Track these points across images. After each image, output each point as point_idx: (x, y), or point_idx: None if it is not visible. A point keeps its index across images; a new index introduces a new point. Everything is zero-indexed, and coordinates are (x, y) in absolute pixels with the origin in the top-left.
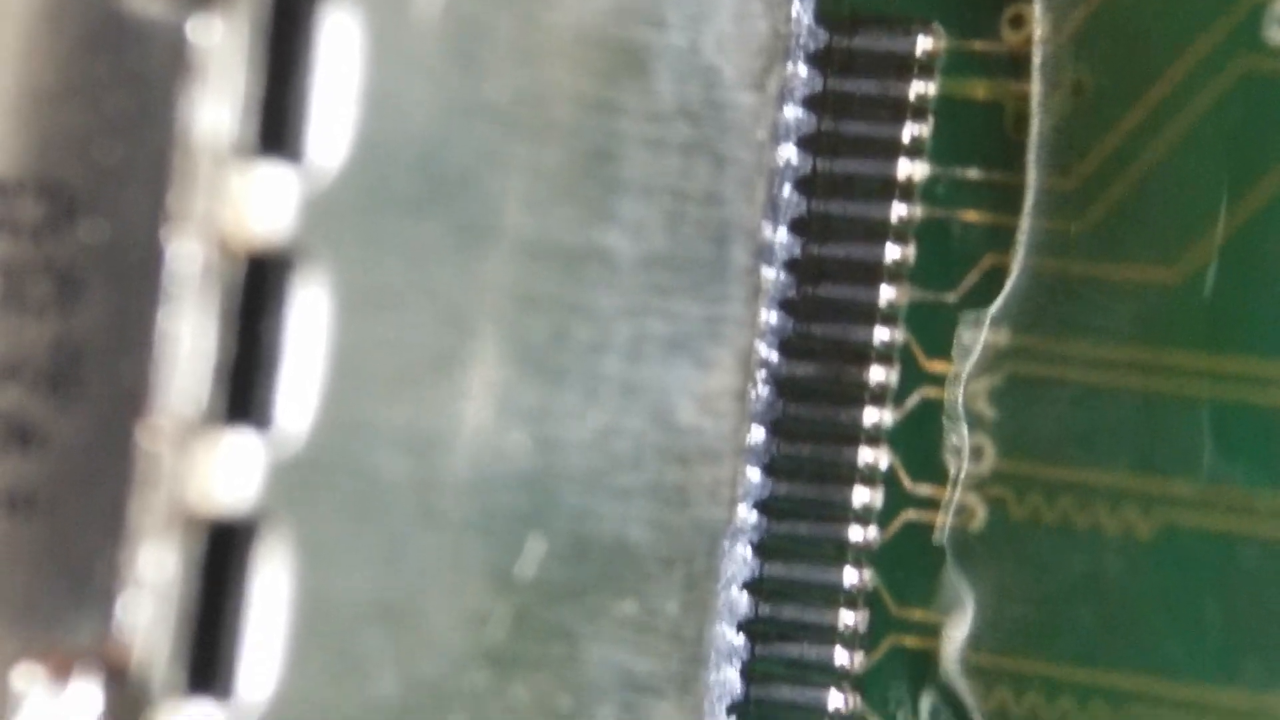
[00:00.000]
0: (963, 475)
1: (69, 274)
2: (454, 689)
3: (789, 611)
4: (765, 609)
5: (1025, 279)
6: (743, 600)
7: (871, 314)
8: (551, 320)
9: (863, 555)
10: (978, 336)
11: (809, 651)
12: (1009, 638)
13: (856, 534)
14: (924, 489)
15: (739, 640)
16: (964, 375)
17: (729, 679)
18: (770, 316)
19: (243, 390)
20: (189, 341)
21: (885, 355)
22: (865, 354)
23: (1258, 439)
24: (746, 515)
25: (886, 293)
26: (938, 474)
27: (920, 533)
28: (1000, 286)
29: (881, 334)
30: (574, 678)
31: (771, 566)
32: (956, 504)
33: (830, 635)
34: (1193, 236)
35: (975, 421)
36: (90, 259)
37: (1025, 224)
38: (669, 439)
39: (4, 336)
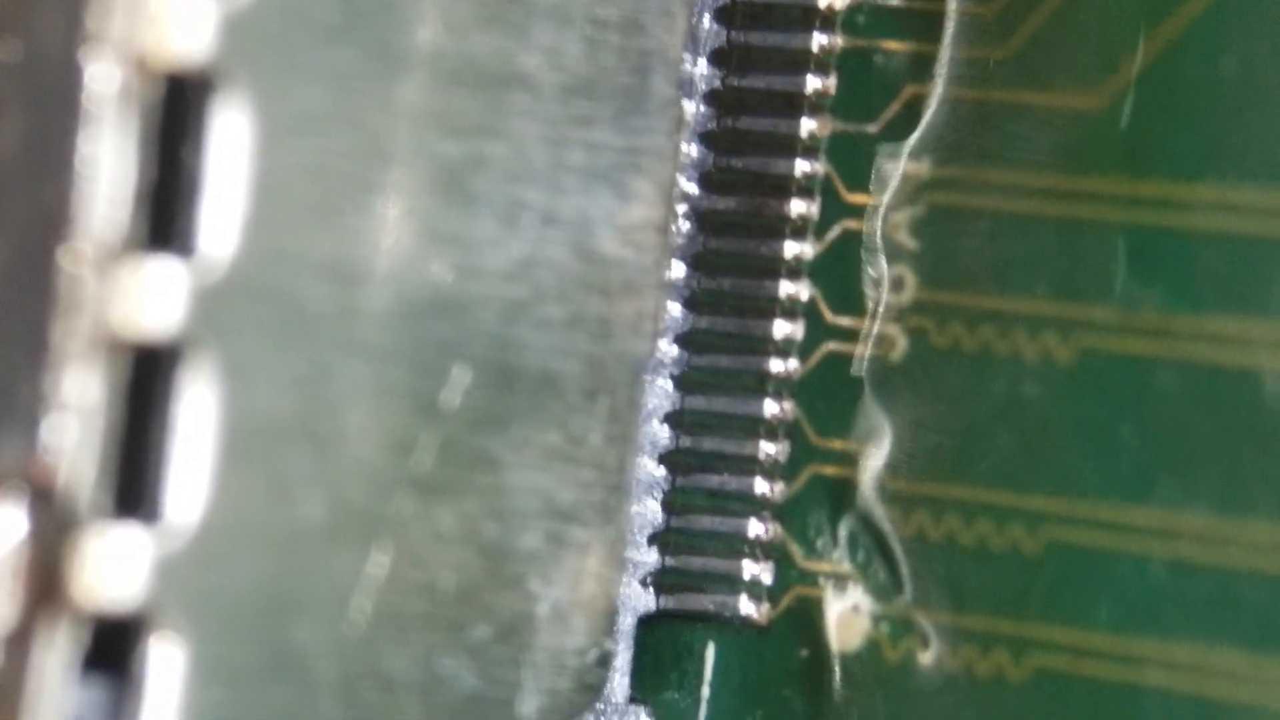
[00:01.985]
0: (883, 306)
1: None
2: (380, 515)
3: (709, 443)
4: (686, 441)
5: (945, 109)
6: (664, 433)
7: (792, 146)
8: (471, 147)
9: (783, 387)
10: (897, 167)
11: (729, 482)
12: (927, 464)
13: (777, 366)
14: (844, 321)
15: (660, 472)
16: (883, 206)
17: (650, 510)
18: (690, 150)
19: (165, 215)
20: (109, 165)
21: (806, 188)
22: (785, 187)
23: (1174, 263)
24: (667, 349)
25: (807, 125)
26: (858, 306)
27: (840, 364)
28: (920, 117)
29: (802, 166)
30: (499, 506)
31: (692, 399)
32: (877, 334)
33: (750, 465)
34: (1111, 64)
35: (895, 252)
36: (4, 79)
37: (945, 53)
38: (590, 271)
39: None
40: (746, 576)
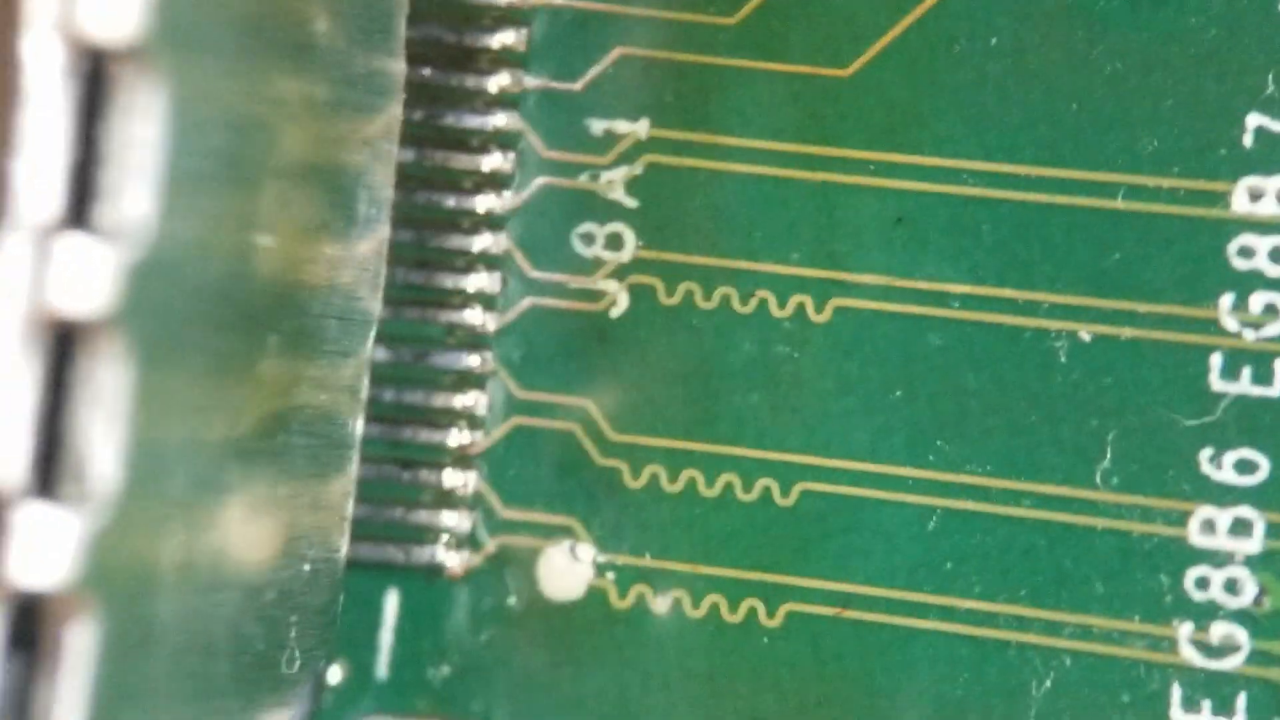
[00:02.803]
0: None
1: None
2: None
3: (409, 397)
4: (387, 394)
5: (661, 71)
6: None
7: (483, 102)
8: None
9: (481, 340)
10: (609, 126)
11: (427, 434)
12: (658, 418)
13: (475, 319)
14: (545, 276)
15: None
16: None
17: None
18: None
19: (88, 194)
20: (40, 142)
21: (502, 143)
22: (479, 142)
23: (940, 229)
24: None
25: (498, 80)
26: (561, 262)
27: (542, 318)
28: (629, 77)
29: (495, 121)
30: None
31: (392, 353)
32: (593, 290)
33: (449, 418)
34: (856, 34)
35: (611, 210)
36: None
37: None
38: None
39: None
40: (443, 525)
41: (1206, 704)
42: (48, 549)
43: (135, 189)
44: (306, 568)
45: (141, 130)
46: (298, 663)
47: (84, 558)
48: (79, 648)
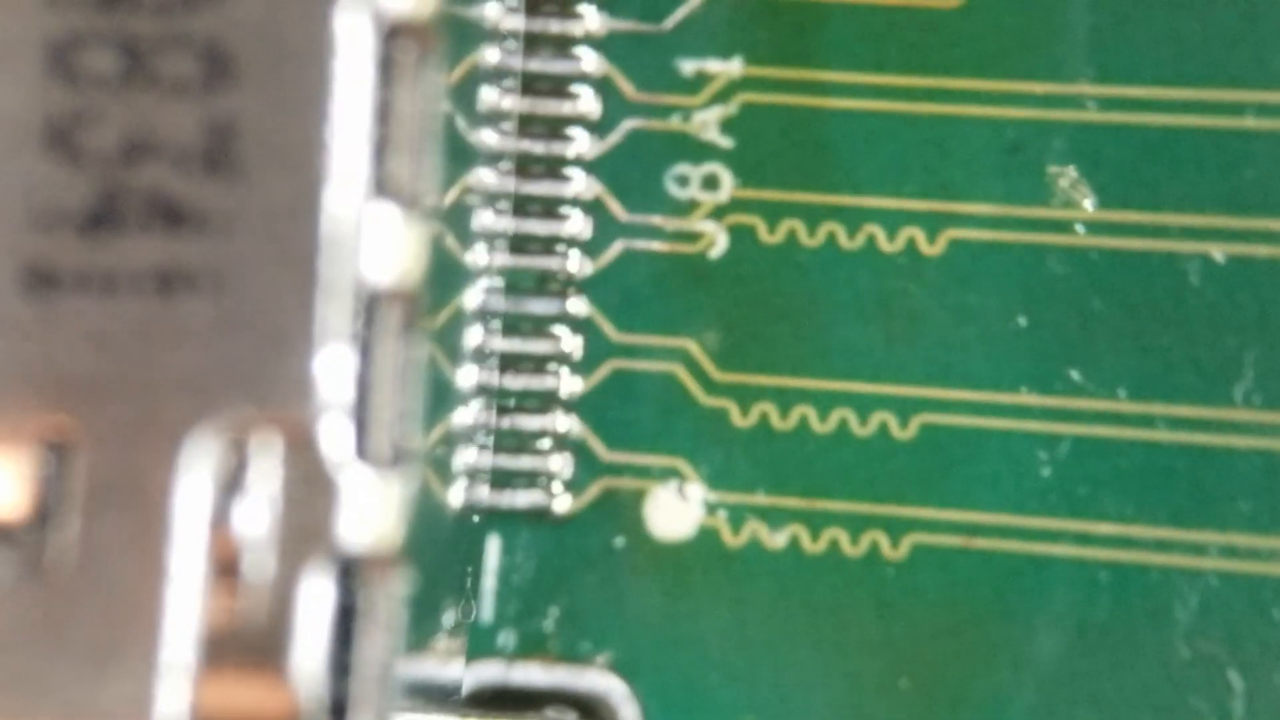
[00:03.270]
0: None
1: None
2: None
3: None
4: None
5: (757, 7)
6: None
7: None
8: None
9: (574, 285)
10: (700, 66)
11: (526, 381)
12: (766, 356)
13: (570, 265)
14: (638, 219)
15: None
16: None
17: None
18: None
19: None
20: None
21: (590, 86)
22: (563, 89)
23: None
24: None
25: (583, 25)
26: (652, 203)
27: (635, 261)
28: (719, 15)
29: (581, 66)
30: None
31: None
32: (691, 232)
33: (546, 362)
34: None
35: (706, 151)
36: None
37: None
38: None
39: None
40: (546, 469)
41: None
42: (382, 513)
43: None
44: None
45: None
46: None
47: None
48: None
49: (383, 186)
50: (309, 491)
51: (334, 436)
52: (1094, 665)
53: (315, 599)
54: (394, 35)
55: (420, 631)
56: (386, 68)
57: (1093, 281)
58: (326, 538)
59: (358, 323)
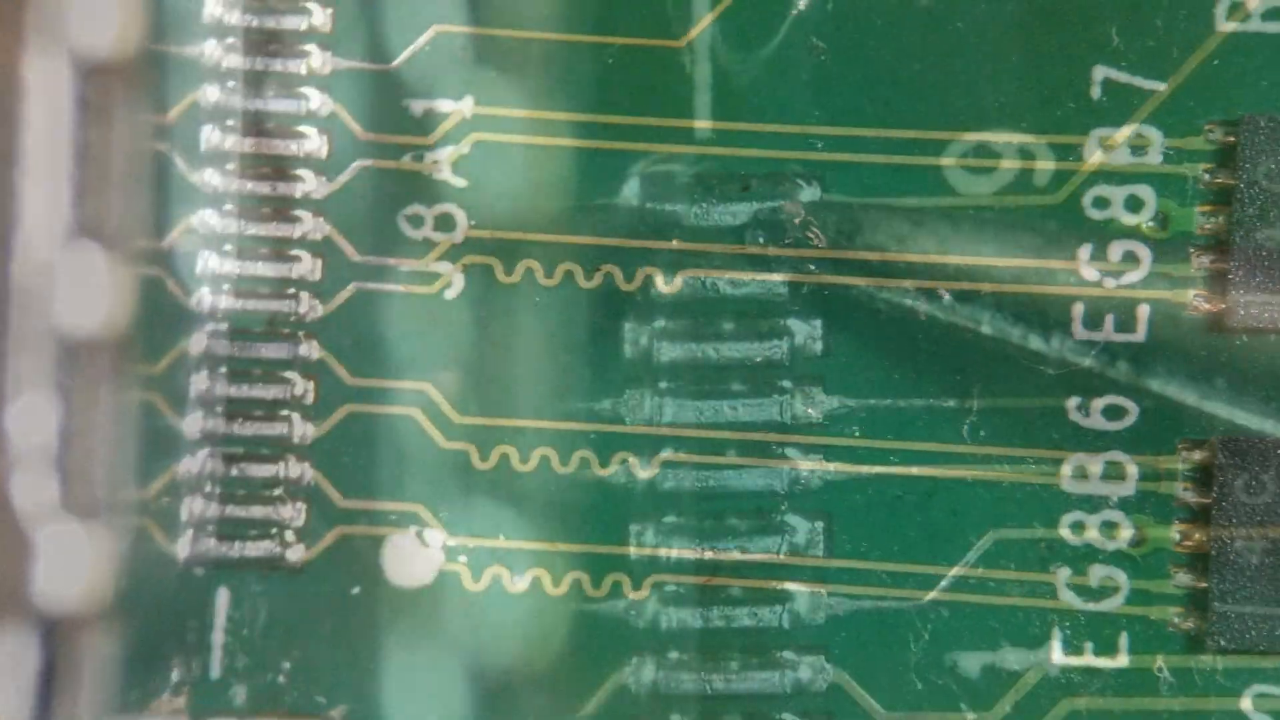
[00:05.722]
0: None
1: None
2: None
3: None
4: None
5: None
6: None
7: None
8: None
9: (306, 329)
10: (431, 106)
11: (258, 428)
12: (502, 398)
13: (299, 307)
14: (370, 259)
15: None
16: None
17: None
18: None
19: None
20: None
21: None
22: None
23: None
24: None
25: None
26: (381, 245)
27: (367, 303)
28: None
29: (307, 104)
30: None
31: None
32: (424, 273)
33: (280, 408)
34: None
35: (440, 191)
36: None
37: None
38: None
39: None
40: (279, 518)
41: None
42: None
43: None
44: None
45: None
46: None
47: None
48: None
49: (84, 229)
50: (1, 549)
51: (30, 490)
52: None
53: (12, 659)
54: (93, 75)
55: (140, 690)
56: (85, 108)
57: None
58: (21, 596)
59: (60, 370)
